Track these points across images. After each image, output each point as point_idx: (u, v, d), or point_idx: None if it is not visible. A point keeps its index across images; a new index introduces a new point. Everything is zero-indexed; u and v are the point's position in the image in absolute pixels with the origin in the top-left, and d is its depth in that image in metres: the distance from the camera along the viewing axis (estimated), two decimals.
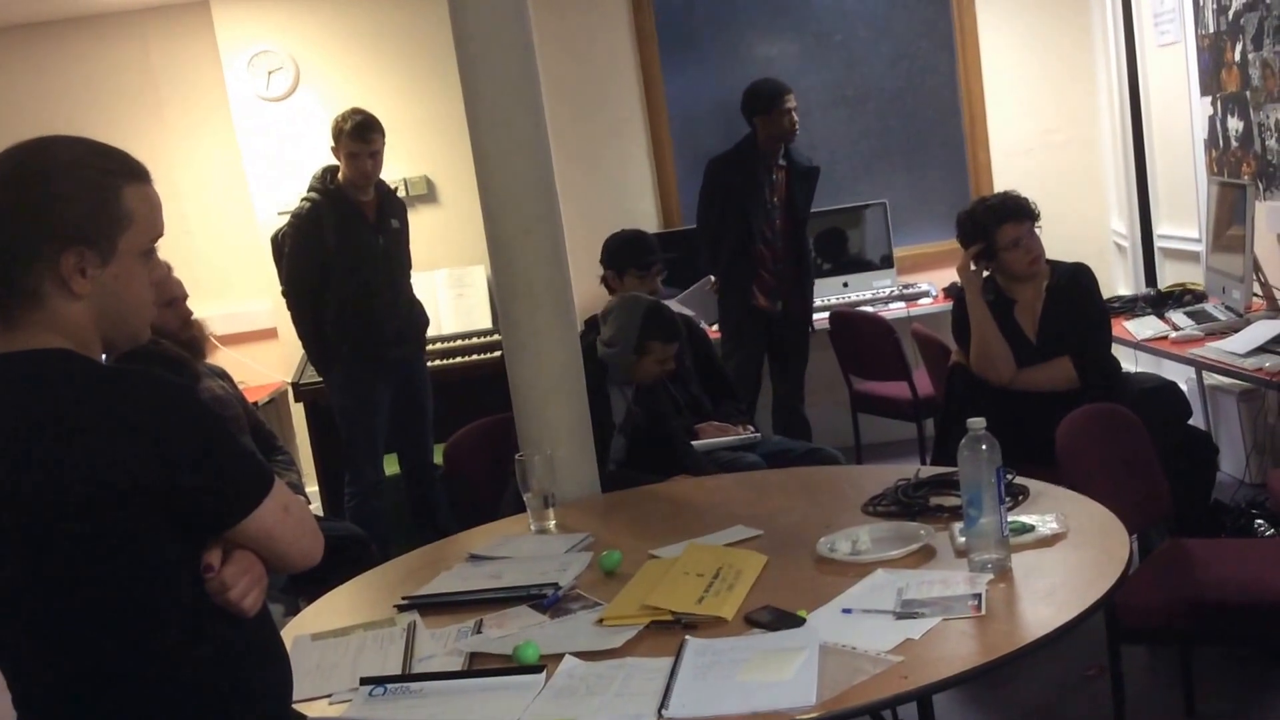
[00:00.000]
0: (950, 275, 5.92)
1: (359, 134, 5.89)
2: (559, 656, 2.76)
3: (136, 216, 2.16)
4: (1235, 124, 6.03)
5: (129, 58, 7.79)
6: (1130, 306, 6.17)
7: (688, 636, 2.78)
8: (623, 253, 5.63)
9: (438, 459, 5.92)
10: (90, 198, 2.12)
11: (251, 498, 2.18)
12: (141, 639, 2.12)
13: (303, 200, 6.06)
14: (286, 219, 6.18)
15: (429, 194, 7.77)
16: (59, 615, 2.09)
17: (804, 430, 6.91)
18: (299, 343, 6.37)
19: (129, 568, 2.09)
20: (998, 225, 4.96)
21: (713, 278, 6.87)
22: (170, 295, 4.85)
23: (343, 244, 5.95)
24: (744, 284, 6.86)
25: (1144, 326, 5.71)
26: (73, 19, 7.70)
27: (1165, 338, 5.50)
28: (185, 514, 2.11)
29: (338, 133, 5.92)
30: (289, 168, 7.35)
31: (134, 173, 2.18)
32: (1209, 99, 6.30)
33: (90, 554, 2.06)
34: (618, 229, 5.86)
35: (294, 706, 2.61)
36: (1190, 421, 5.40)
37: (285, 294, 6.19)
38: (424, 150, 7.66)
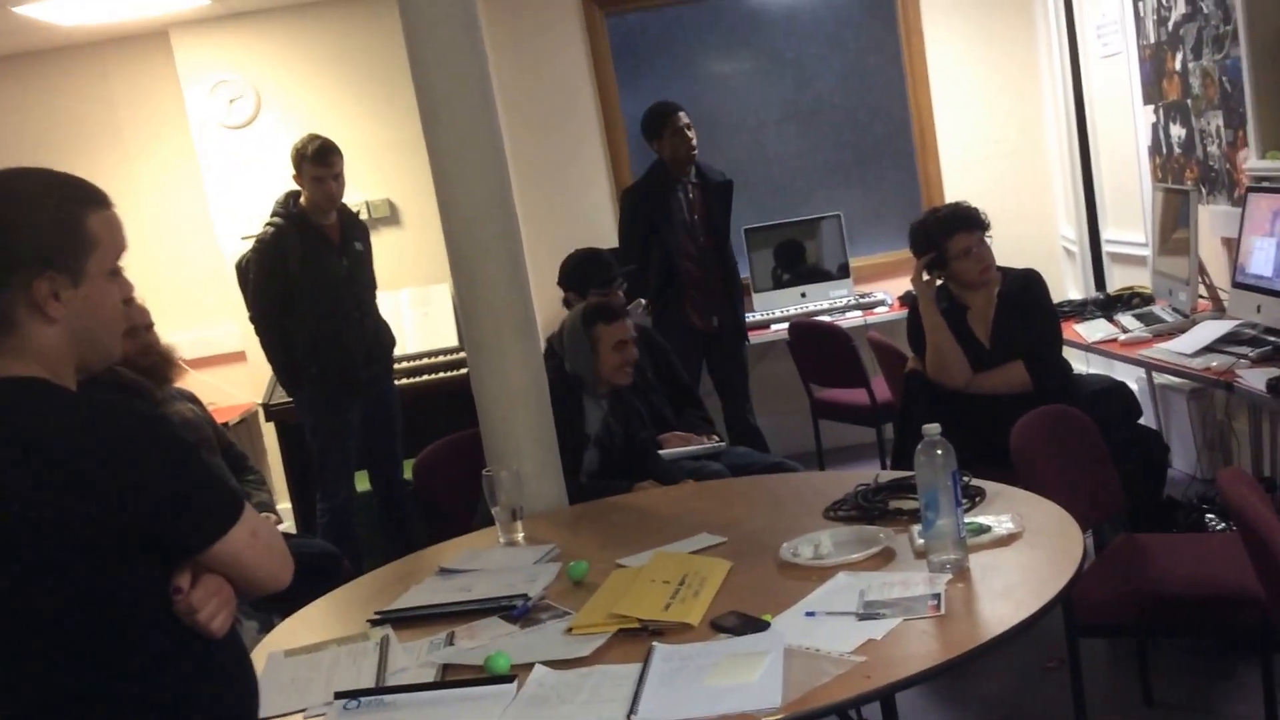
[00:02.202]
0: (905, 284, 6.00)
1: (321, 158, 5.94)
2: (529, 666, 2.78)
3: (101, 239, 2.21)
4: (1177, 131, 6.14)
5: (91, 89, 7.82)
6: (1080, 310, 6.24)
7: (655, 643, 2.80)
8: (579, 273, 5.65)
9: (407, 475, 5.98)
10: (56, 225, 2.16)
11: (220, 524, 2.20)
12: (111, 663, 2.13)
13: (266, 225, 6.09)
14: (250, 244, 6.21)
15: (391, 216, 7.80)
16: (27, 641, 2.10)
17: (759, 440, 6.95)
18: (268, 364, 6.40)
19: (99, 593, 2.10)
20: (949, 236, 5.03)
21: (643, 301, 6.91)
22: (131, 323, 4.87)
23: (307, 267, 5.98)
24: (676, 304, 6.93)
25: (1094, 329, 5.79)
26: (34, 52, 7.72)
27: (1115, 340, 5.58)
28: (154, 540, 2.13)
29: (299, 159, 5.96)
30: (252, 194, 7.35)
31: (95, 199, 2.24)
32: (1151, 107, 6.41)
33: (60, 580, 2.08)
34: (577, 246, 5.90)
35: None
36: (1141, 421, 5.46)
37: (252, 318, 6.21)
38: (385, 173, 7.70)
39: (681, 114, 6.85)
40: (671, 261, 6.87)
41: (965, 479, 3.42)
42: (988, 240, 5.09)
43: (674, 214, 6.93)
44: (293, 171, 6.02)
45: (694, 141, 6.86)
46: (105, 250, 2.22)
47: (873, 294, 7.96)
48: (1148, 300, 6.09)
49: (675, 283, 6.90)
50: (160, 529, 2.13)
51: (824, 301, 7.95)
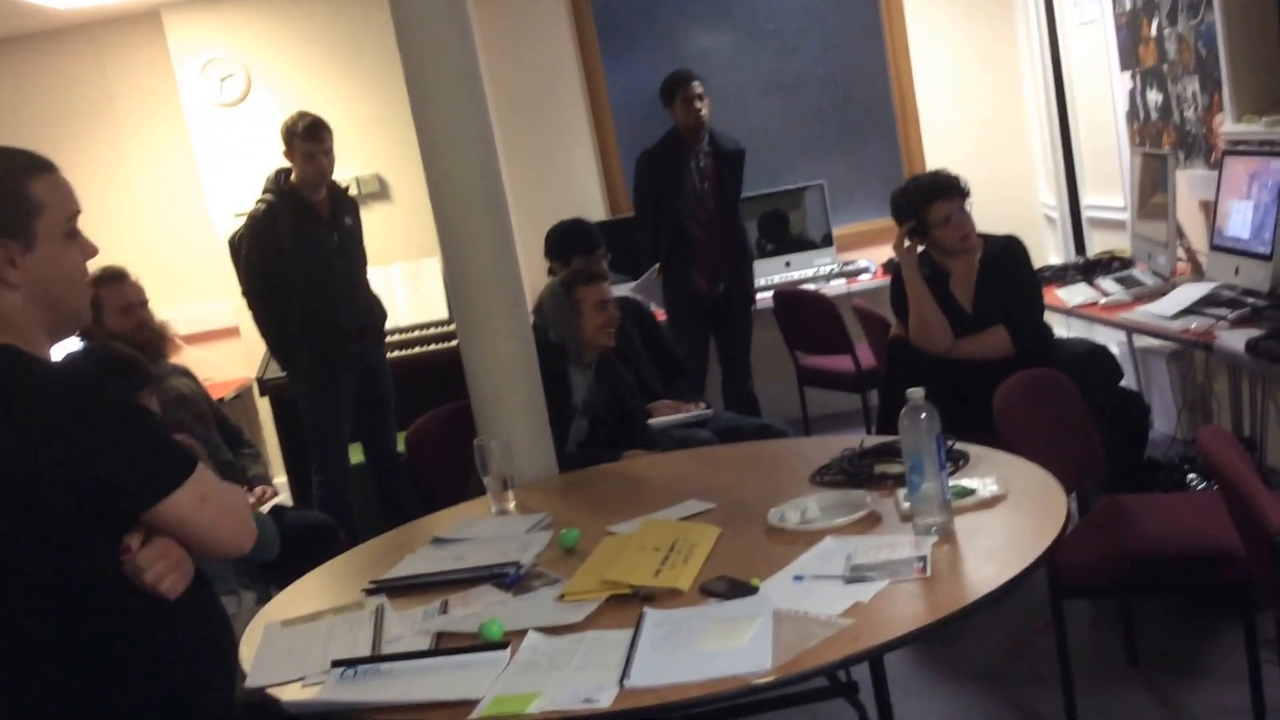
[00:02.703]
0: (888, 251, 6.03)
1: (312, 134, 5.95)
2: (522, 632, 2.80)
3: (47, 202, 2.26)
4: (1154, 97, 6.17)
5: (84, 70, 7.83)
6: (1061, 275, 6.28)
7: (646, 608, 2.83)
8: (564, 242, 5.67)
9: (400, 447, 6.01)
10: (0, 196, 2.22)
11: (164, 485, 2.24)
12: (70, 632, 2.17)
13: (258, 202, 6.10)
14: (243, 221, 6.22)
15: (381, 191, 7.84)
16: None
17: (753, 407, 7.01)
18: (261, 340, 6.43)
19: (57, 558, 2.15)
20: (929, 203, 5.07)
21: (658, 265, 6.97)
22: (125, 300, 4.90)
23: (298, 243, 6.00)
24: (683, 269, 6.99)
25: (1074, 294, 5.82)
26: (28, 35, 7.73)
27: (1095, 304, 5.61)
28: (100, 499, 2.17)
29: (290, 136, 5.98)
30: (244, 171, 7.40)
31: (36, 165, 2.29)
32: (1129, 73, 6.43)
33: (14, 546, 2.12)
34: (564, 216, 5.92)
35: (267, 690, 2.69)
36: (1122, 383, 5.50)
37: (245, 294, 6.23)
38: (375, 149, 7.73)
39: (694, 84, 6.91)
40: (680, 227, 6.93)
41: (949, 443, 3.44)
42: (968, 207, 5.12)
43: (684, 180, 6.98)
44: (283, 148, 6.03)
45: (702, 111, 6.91)
46: (53, 212, 2.27)
47: (856, 262, 8.01)
48: (1127, 264, 6.13)
49: (684, 247, 6.96)
50: (105, 487, 2.17)
51: (808, 270, 8.00)
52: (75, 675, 2.18)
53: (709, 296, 7.06)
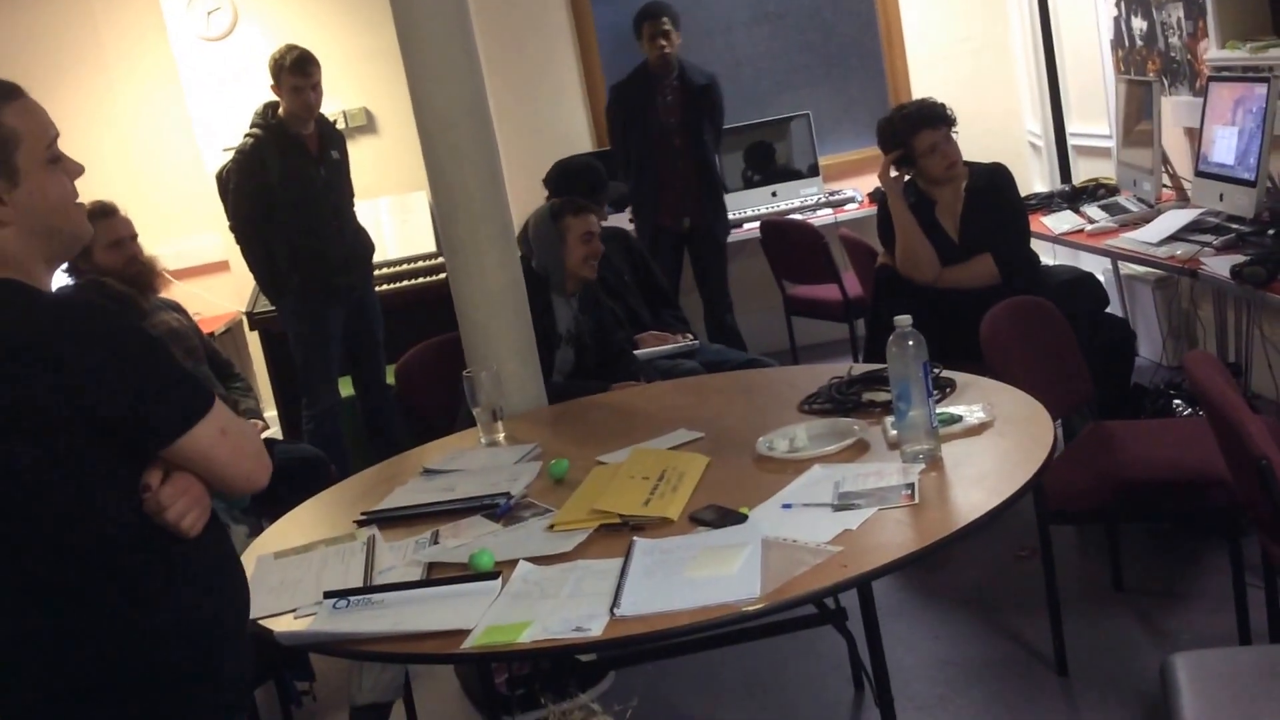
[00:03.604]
0: (874, 181, 6.03)
1: (300, 68, 5.92)
2: (513, 562, 2.82)
3: (21, 131, 2.19)
4: (1139, 24, 6.15)
5: (70, 5, 7.73)
6: (1047, 202, 6.27)
7: (636, 538, 2.85)
8: (571, 180, 5.63)
9: (390, 379, 6.04)
10: None
11: (183, 419, 2.20)
12: (87, 566, 2.15)
13: (246, 136, 6.08)
14: (230, 156, 6.21)
15: (368, 125, 7.78)
16: (10, 547, 2.12)
17: (735, 338, 7.03)
18: (250, 274, 6.42)
19: (78, 494, 2.12)
20: (915, 132, 5.06)
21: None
22: (116, 235, 4.90)
23: (286, 177, 6.00)
24: (651, 203, 7.00)
25: (1060, 221, 5.83)
26: None
27: (1081, 231, 5.63)
28: (121, 431, 2.14)
29: (278, 69, 5.95)
30: (232, 105, 7.32)
31: (4, 93, 2.21)
32: (1113, 1, 6.41)
33: (32, 478, 2.09)
34: (551, 149, 5.91)
35: (260, 622, 2.70)
36: (1108, 310, 5.50)
37: (233, 228, 6.22)
38: (362, 82, 7.68)
39: (663, 20, 6.88)
40: (646, 161, 6.91)
41: (936, 370, 3.44)
42: (954, 136, 5.11)
43: (650, 114, 6.97)
44: (271, 82, 6.01)
45: (666, 49, 6.88)
46: (31, 140, 2.20)
47: (842, 191, 8.00)
48: (1113, 191, 6.13)
49: (651, 181, 6.95)
50: (127, 418, 2.13)
51: (795, 200, 7.98)
52: (97, 607, 2.16)
53: (673, 231, 7.05)
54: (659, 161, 7.00)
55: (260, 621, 2.76)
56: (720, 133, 7.26)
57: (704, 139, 7.09)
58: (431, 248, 7.37)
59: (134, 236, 4.97)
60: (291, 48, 5.99)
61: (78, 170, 2.31)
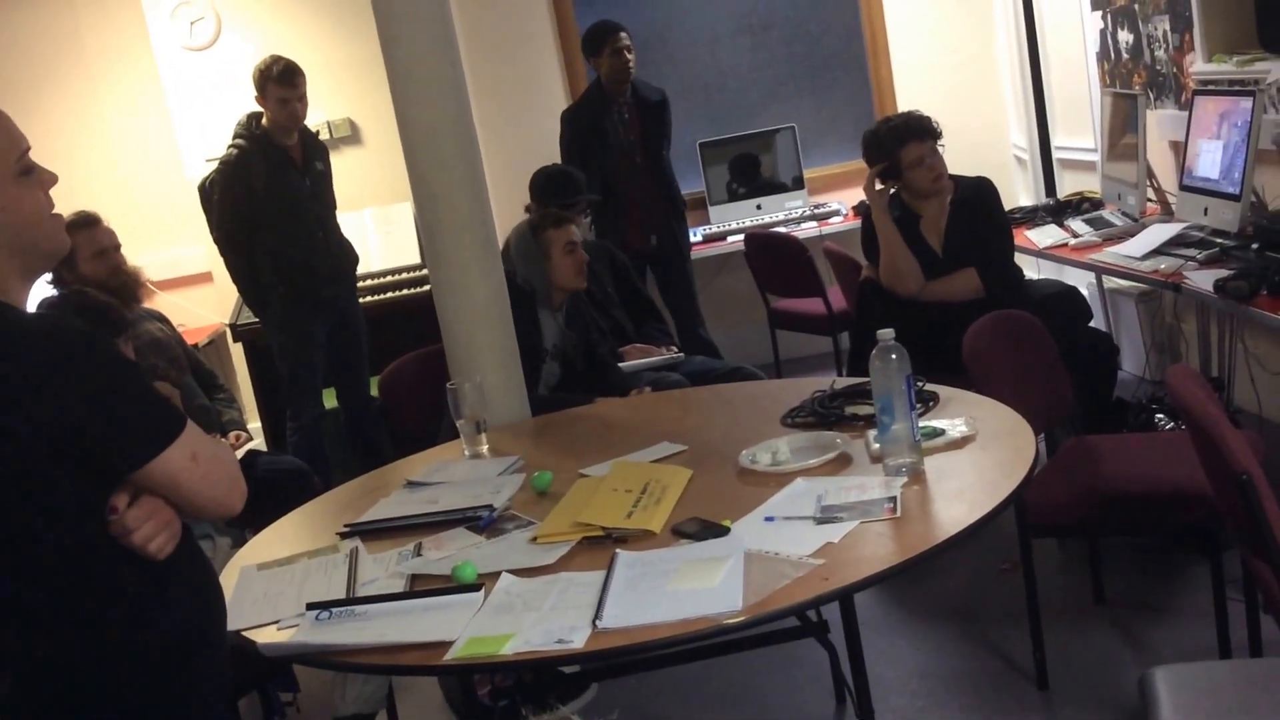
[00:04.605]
0: (859, 194, 6.04)
1: (286, 79, 5.92)
2: (496, 575, 2.82)
3: None
4: (1125, 37, 6.17)
5: (54, 14, 7.72)
6: (1031, 216, 6.29)
7: (618, 550, 2.84)
8: (549, 188, 5.67)
9: (374, 391, 6.02)
10: None
11: (152, 443, 2.16)
12: (57, 584, 2.12)
13: (230, 147, 6.07)
14: (214, 166, 6.20)
15: (352, 135, 7.79)
16: None
17: (711, 351, 7.01)
18: (233, 285, 6.41)
19: (44, 515, 2.09)
20: (901, 145, 5.07)
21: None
22: (99, 245, 4.89)
23: (271, 188, 5.99)
24: (616, 224, 6.98)
25: (1045, 235, 5.84)
26: None
27: (1065, 245, 5.63)
28: (87, 458, 2.10)
29: (263, 80, 5.94)
30: (215, 115, 7.30)
31: None
32: (1099, 13, 6.44)
33: (2, 499, 2.06)
34: (535, 160, 5.90)
35: (243, 634, 2.69)
36: (1091, 324, 5.53)
37: (217, 239, 6.20)
38: (346, 93, 7.68)
39: (623, 35, 6.86)
40: (607, 181, 6.89)
41: (919, 384, 3.44)
42: (940, 149, 5.13)
43: (609, 134, 6.97)
44: (256, 93, 6.00)
45: (631, 63, 6.88)
46: (1, 156, 2.17)
47: (827, 204, 8.01)
48: (1097, 205, 6.14)
49: (614, 202, 6.92)
50: (94, 440, 2.10)
51: (779, 213, 8.00)
52: (75, 628, 2.13)
53: (641, 250, 7.04)
54: (623, 181, 6.99)
55: (243, 633, 2.76)
56: (666, 151, 7.24)
57: (663, 154, 7.11)
58: (416, 259, 7.37)
59: (117, 247, 4.97)
60: (277, 59, 5.98)
61: (52, 180, 2.27)
